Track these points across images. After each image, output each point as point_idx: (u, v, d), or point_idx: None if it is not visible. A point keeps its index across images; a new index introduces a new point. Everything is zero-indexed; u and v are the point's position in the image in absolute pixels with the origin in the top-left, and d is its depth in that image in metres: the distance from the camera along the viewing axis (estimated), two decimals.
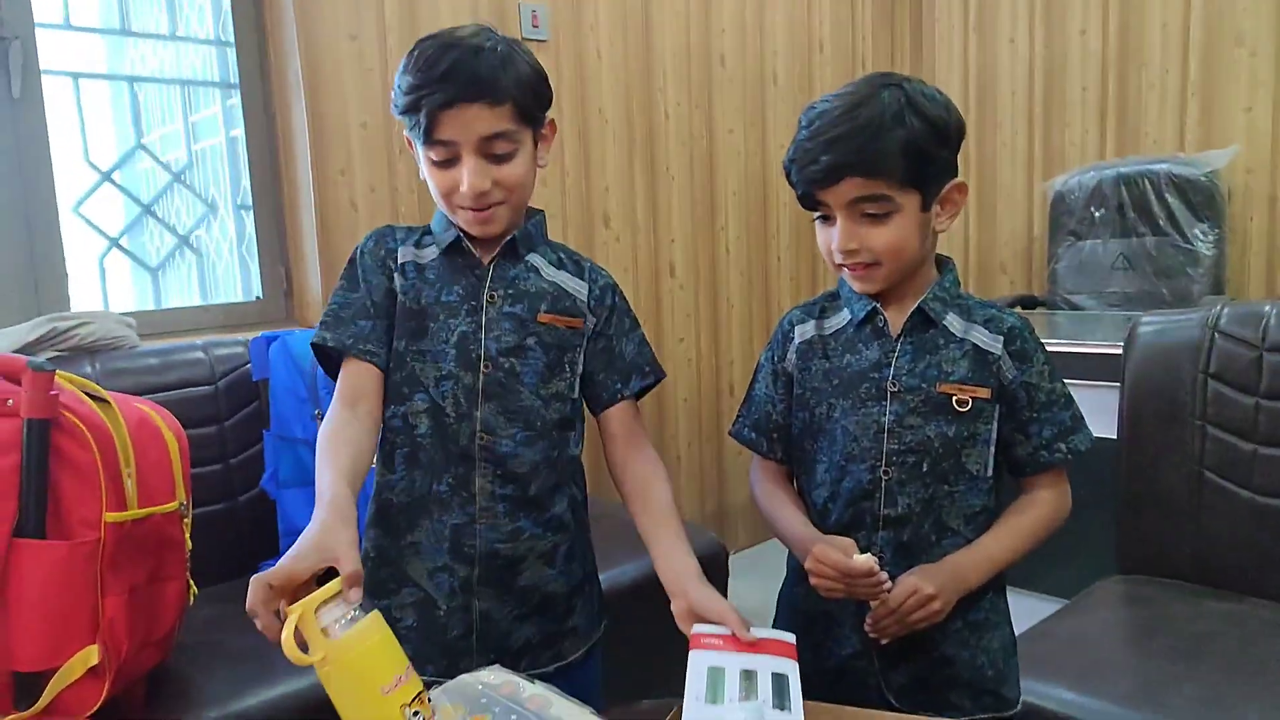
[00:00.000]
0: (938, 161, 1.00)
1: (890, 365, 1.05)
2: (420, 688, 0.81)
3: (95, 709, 1.18)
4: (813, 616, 1.10)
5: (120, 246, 2.08)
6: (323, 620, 0.78)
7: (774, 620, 1.20)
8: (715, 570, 2.03)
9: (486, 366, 1.09)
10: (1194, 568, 1.60)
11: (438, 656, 1.10)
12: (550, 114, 1.13)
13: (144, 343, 1.88)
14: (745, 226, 3.08)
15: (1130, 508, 1.70)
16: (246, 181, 2.18)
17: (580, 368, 1.14)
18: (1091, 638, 1.45)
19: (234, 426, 1.85)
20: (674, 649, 0.99)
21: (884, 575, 0.94)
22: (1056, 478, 1.08)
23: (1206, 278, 2.88)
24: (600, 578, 1.25)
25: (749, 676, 0.87)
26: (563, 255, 1.18)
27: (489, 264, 1.12)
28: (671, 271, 2.88)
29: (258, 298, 2.22)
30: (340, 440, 1.02)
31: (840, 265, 1.05)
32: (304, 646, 0.78)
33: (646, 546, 1.08)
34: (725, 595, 2.00)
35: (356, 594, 0.81)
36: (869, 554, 0.95)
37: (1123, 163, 3.07)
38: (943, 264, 1.10)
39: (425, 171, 1.09)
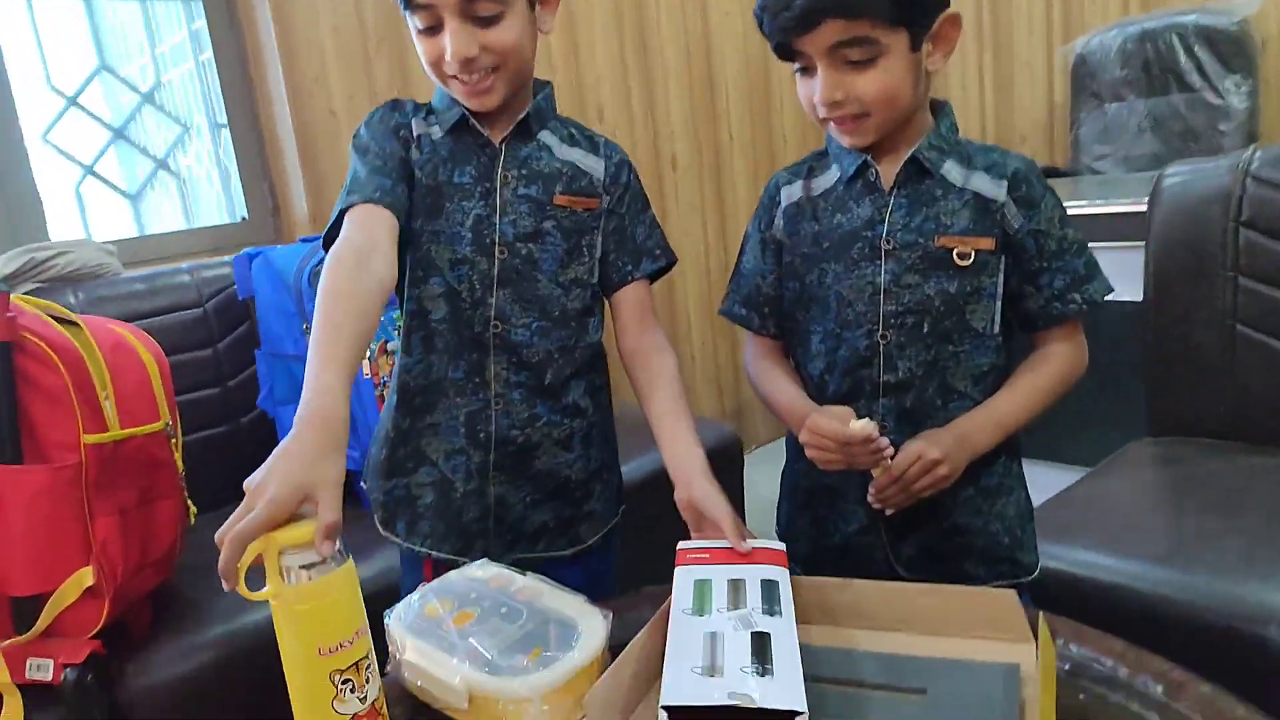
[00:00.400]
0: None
1: (884, 221, 0.96)
2: (365, 653, 0.74)
3: (97, 629, 1.17)
4: (814, 492, 1.05)
5: (94, 173, 2.01)
6: (287, 560, 0.72)
7: (779, 500, 1.15)
8: (730, 464, 1.99)
9: (502, 252, 1.04)
10: (1229, 425, 1.53)
11: (454, 537, 1.09)
12: None
13: (128, 271, 1.83)
14: (748, 110, 2.94)
15: (1160, 369, 1.62)
16: (220, 99, 2.09)
17: (598, 251, 1.09)
18: (1120, 500, 1.39)
19: (227, 349, 1.81)
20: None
21: (884, 441, 0.88)
22: (1071, 331, 1.00)
23: (1238, 132, 2.72)
24: (621, 465, 1.21)
25: (736, 586, 0.83)
26: (574, 131, 1.11)
27: (501, 143, 1.05)
28: (674, 164, 2.76)
29: (243, 219, 2.15)
30: (340, 311, 0.87)
31: (825, 119, 0.95)
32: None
33: (654, 433, 1.03)
34: (741, 489, 2.00)
35: (328, 547, 0.72)
36: (866, 419, 0.88)
37: (1147, 18, 2.89)
38: (939, 109, 1.00)
39: (415, 43, 1.01)
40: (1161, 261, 1.59)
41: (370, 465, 1.16)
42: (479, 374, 1.06)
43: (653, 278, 1.12)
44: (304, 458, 0.76)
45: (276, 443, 1.85)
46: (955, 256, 0.94)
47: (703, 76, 2.81)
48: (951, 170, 0.96)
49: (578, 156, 1.08)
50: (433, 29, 0.98)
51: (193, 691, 1.26)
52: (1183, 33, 2.75)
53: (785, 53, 0.93)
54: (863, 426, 0.87)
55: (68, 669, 1.13)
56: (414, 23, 0.99)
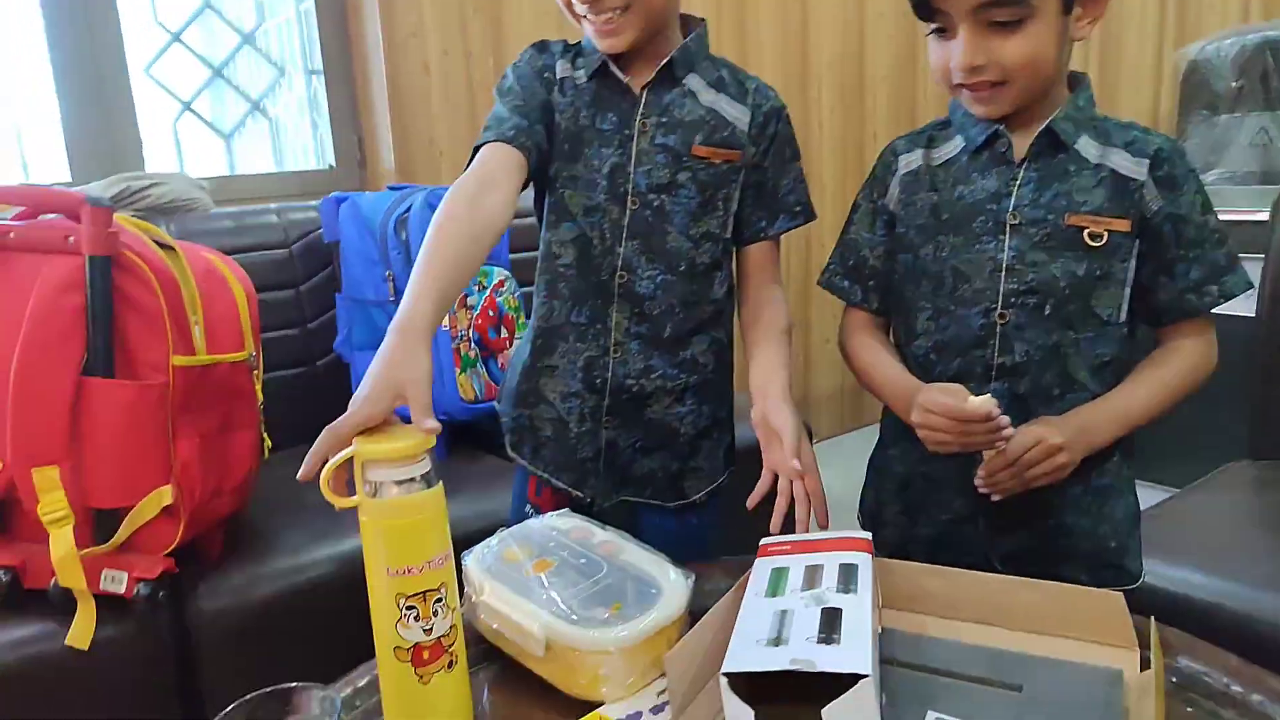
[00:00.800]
0: None
1: (1011, 195, 0.91)
2: (436, 585, 0.72)
3: (171, 548, 1.18)
4: (908, 480, 1.01)
5: (192, 110, 2.04)
6: (378, 474, 0.72)
7: (863, 488, 1.11)
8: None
9: (634, 202, 1.03)
10: None
11: (569, 471, 1.11)
12: None
13: (217, 208, 1.85)
14: (839, 100, 2.87)
15: (1267, 389, 1.53)
16: (317, 46, 2.10)
17: (734, 205, 1.06)
18: (1219, 520, 1.32)
19: (309, 291, 1.82)
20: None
21: (1005, 420, 0.83)
22: (1203, 326, 0.94)
23: None
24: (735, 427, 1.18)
25: (813, 571, 0.80)
26: (725, 73, 1.06)
27: (642, 90, 1.03)
28: None
29: (330, 166, 2.16)
30: (447, 238, 0.88)
31: (959, 86, 0.90)
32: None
33: (748, 360, 1.03)
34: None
35: (430, 424, 0.73)
36: (986, 395, 0.84)
37: (1270, 25, 2.75)
38: (1076, 81, 0.94)
39: None
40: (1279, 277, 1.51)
41: (504, 389, 1.20)
42: (601, 321, 1.06)
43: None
44: (392, 359, 0.79)
45: (350, 387, 1.87)
46: (1086, 237, 0.89)
47: (797, 65, 2.75)
48: (1087, 146, 0.91)
49: (723, 104, 1.04)
50: None
51: (257, 619, 1.27)
52: None
53: (925, 11, 0.88)
54: (982, 403, 0.82)
55: (141, 583, 1.15)
56: None
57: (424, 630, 0.73)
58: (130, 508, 1.15)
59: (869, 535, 0.85)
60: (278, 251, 1.80)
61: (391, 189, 1.75)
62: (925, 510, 0.99)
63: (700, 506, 1.14)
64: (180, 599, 1.23)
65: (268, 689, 0.61)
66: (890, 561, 0.86)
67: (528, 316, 1.89)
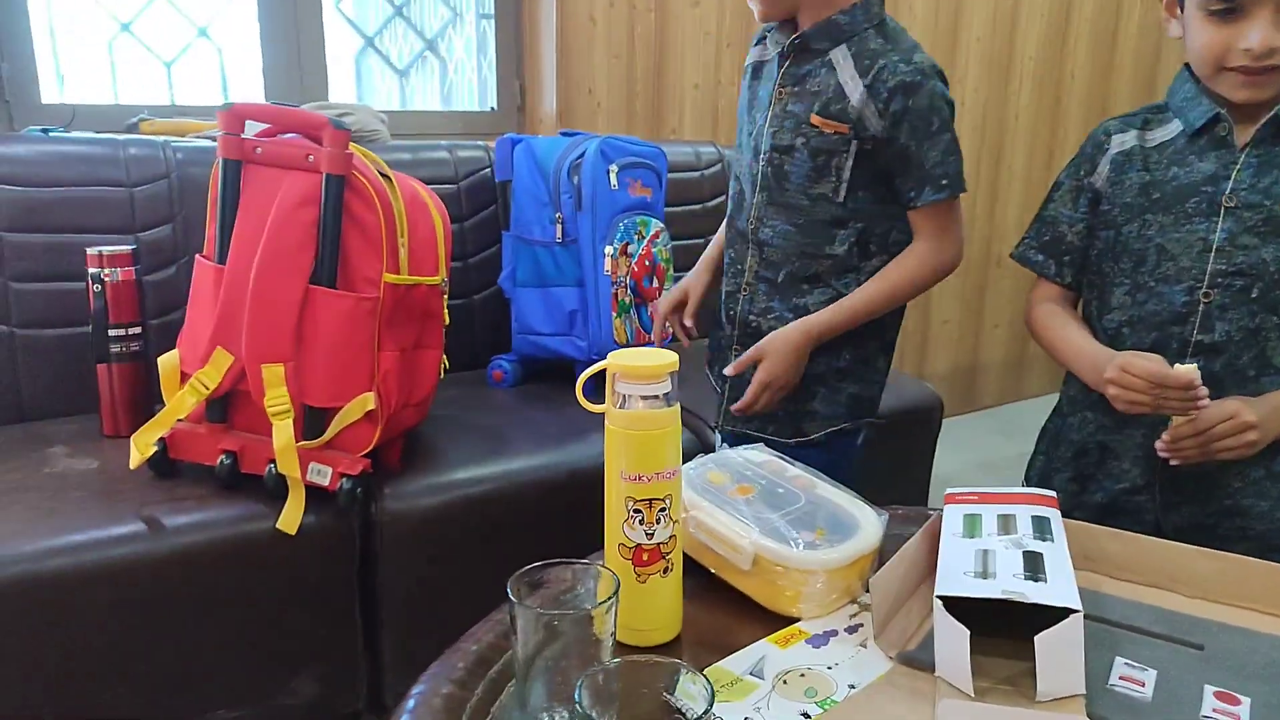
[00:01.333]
0: None
1: (1230, 178, 0.94)
2: (663, 496, 0.78)
3: (368, 449, 1.29)
4: (1084, 448, 1.05)
5: (374, 46, 2.15)
6: (626, 388, 0.78)
7: (1031, 457, 1.15)
8: (927, 425, 1.99)
9: (764, 160, 1.19)
10: None
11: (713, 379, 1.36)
12: None
13: (393, 140, 1.96)
14: (985, 79, 2.84)
15: None
16: None
17: (848, 174, 1.15)
18: None
19: (473, 227, 1.92)
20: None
21: (1204, 390, 0.87)
22: None
23: None
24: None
25: (1007, 520, 0.85)
26: (874, 47, 1.12)
27: (784, 63, 1.18)
28: None
29: (492, 109, 2.25)
30: None
31: (1233, 69, 0.91)
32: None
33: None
34: (933, 455, 1.99)
35: (663, 383, 0.79)
36: (1192, 365, 0.88)
37: None
38: None
39: None
40: None
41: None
42: (740, 262, 1.27)
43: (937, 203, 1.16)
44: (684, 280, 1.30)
45: (508, 322, 1.99)
46: None
47: (946, 40, 2.73)
48: None
49: (847, 78, 1.13)
50: None
51: (434, 524, 1.38)
52: None
53: None
54: (1188, 370, 0.86)
55: (344, 478, 1.26)
56: None
57: (646, 534, 0.80)
58: (338, 409, 1.26)
59: (1053, 494, 0.90)
60: (448, 186, 1.90)
61: (564, 134, 1.82)
62: (1097, 479, 1.03)
63: (821, 445, 1.26)
64: (369, 498, 1.35)
65: (544, 561, 0.69)
66: (1070, 521, 0.90)
67: (678, 269, 1.97)
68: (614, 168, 1.71)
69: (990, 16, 2.79)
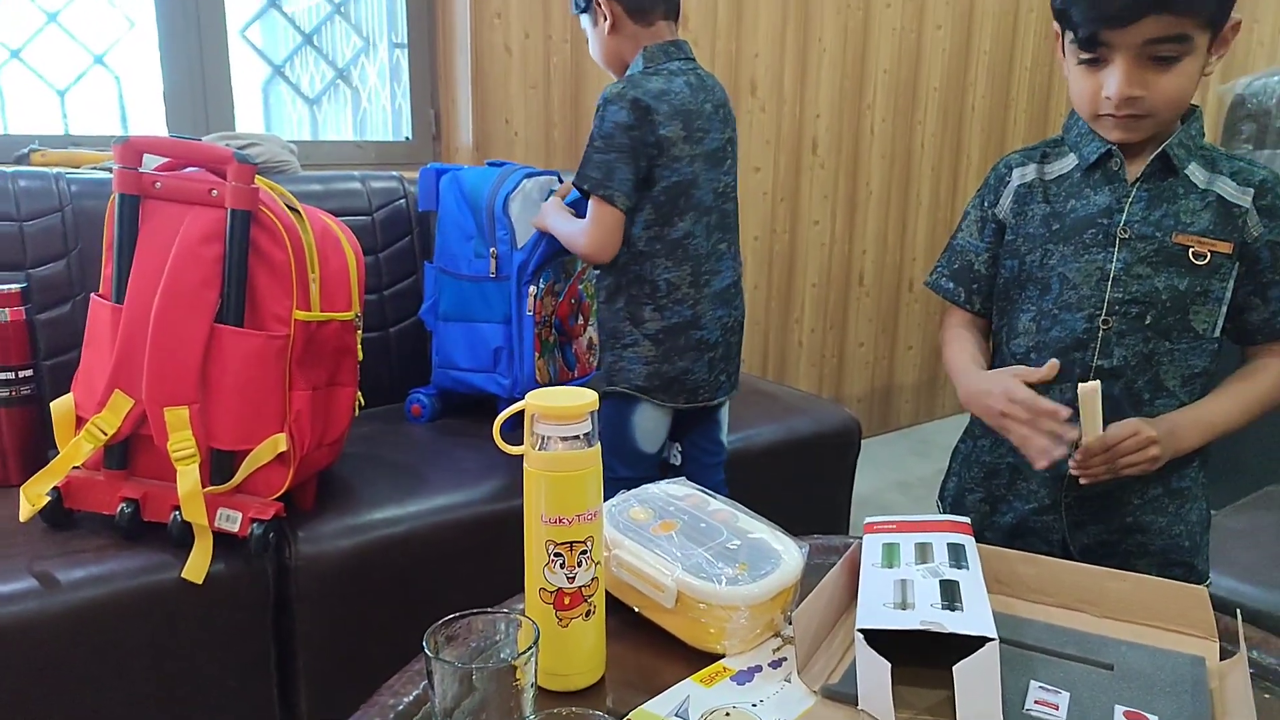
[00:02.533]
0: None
1: (1123, 211, 0.98)
2: (583, 539, 0.77)
3: (280, 493, 1.25)
4: (994, 469, 1.08)
5: (282, 74, 2.10)
6: (545, 429, 0.77)
7: (945, 476, 1.18)
8: (847, 450, 2.02)
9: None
10: None
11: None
12: None
13: (303, 170, 1.91)
14: (893, 108, 2.93)
15: None
16: (403, 19, 2.16)
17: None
18: (1262, 537, 1.39)
19: (389, 258, 1.89)
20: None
21: (1071, 430, 0.91)
22: None
23: None
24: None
25: (924, 548, 0.87)
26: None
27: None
28: (814, 148, 2.78)
29: (407, 138, 2.22)
30: None
31: (1103, 116, 0.96)
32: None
33: None
34: (853, 477, 2.03)
35: (583, 423, 0.78)
36: (1096, 382, 0.92)
37: None
38: (1189, 112, 1.00)
39: None
40: None
41: None
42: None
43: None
44: None
45: (427, 354, 1.95)
46: (1191, 255, 0.96)
47: (855, 68, 2.81)
48: (1196, 171, 0.98)
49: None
50: None
51: (350, 567, 1.34)
52: None
53: (1090, 44, 0.92)
54: (1058, 408, 0.91)
55: (255, 523, 1.21)
56: None
57: (568, 577, 0.79)
58: (248, 451, 1.22)
59: (968, 520, 0.92)
60: (362, 217, 1.86)
61: (491, 164, 1.80)
62: (1008, 499, 1.06)
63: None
64: (282, 543, 1.30)
65: (462, 612, 0.67)
66: (984, 547, 0.93)
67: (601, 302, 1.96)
68: None
69: (896, 50, 2.89)
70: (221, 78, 1.94)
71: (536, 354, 1.69)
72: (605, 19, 1.46)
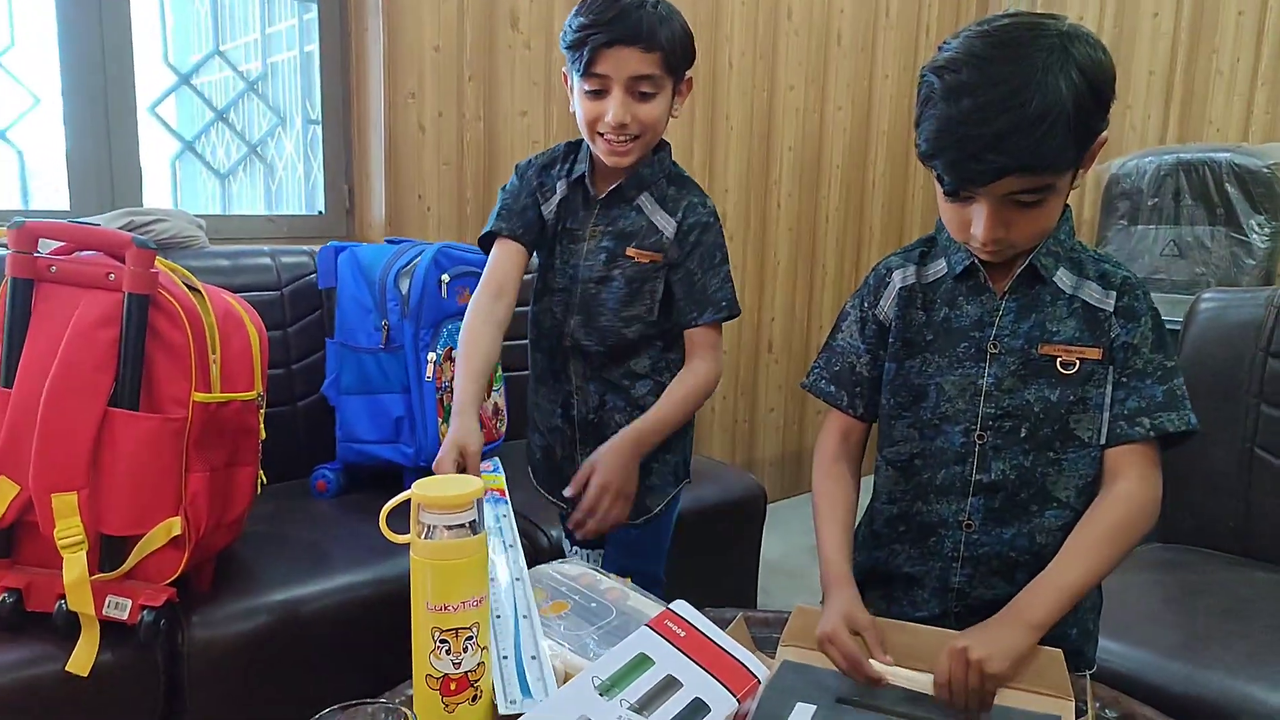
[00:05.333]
0: (1100, 126, 0.89)
1: (993, 325, 0.97)
2: (469, 625, 0.79)
3: (173, 578, 1.23)
4: (891, 576, 1.07)
5: (193, 150, 2.11)
6: (431, 518, 0.79)
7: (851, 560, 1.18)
8: (753, 516, 2.07)
9: (581, 287, 1.31)
10: (1237, 540, 1.62)
11: (558, 486, 1.30)
12: None
13: (212, 245, 1.91)
14: (798, 184, 3.07)
15: (1178, 480, 1.70)
16: (318, 96, 2.19)
17: (659, 295, 1.31)
18: (1135, 597, 1.47)
19: (297, 333, 1.89)
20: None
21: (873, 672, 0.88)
22: (1141, 461, 0.94)
23: (1258, 270, 2.86)
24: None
25: (670, 684, 0.82)
26: (672, 189, 1.32)
27: (597, 201, 1.32)
28: (723, 222, 2.88)
29: (320, 213, 2.24)
30: (474, 339, 1.25)
31: (974, 247, 0.94)
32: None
33: None
34: (759, 542, 2.08)
35: (468, 512, 0.80)
36: (891, 668, 0.89)
37: (1184, 149, 3.04)
38: (1060, 214, 0.97)
39: (576, 103, 1.26)
40: (1191, 379, 1.69)
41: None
42: (564, 370, 1.36)
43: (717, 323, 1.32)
44: (453, 437, 1.14)
45: (332, 428, 1.96)
46: (1059, 365, 0.95)
47: (761, 145, 2.94)
48: (1063, 278, 0.97)
49: (659, 217, 1.30)
50: (598, 94, 1.23)
51: (247, 651, 1.32)
52: (1215, 168, 2.90)
53: (954, 194, 0.91)
54: (878, 670, 0.88)
55: (145, 610, 1.19)
56: (584, 86, 1.24)
57: (454, 664, 0.81)
58: (140, 536, 1.20)
59: (760, 680, 0.87)
60: (270, 293, 1.86)
61: (390, 242, 1.84)
62: (901, 605, 1.05)
63: (661, 515, 1.39)
64: (174, 628, 1.27)
65: (343, 704, 0.68)
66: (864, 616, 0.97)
67: (504, 370, 1.99)
68: (446, 277, 1.74)
69: (800, 129, 3.03)
70: (129, 153, 1.93)
71: (440, 420, 1.71)
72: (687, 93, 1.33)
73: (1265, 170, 2.84)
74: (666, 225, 1.29)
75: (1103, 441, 0.96)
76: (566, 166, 1.34)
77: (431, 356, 1.70)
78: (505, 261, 1.31)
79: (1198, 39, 3.05)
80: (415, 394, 1.72)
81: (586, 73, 1.21)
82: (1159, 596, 1.51)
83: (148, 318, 1.19)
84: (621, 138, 1.23)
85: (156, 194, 2.03)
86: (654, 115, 1.23)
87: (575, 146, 1.35)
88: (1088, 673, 1.01)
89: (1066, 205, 0.99)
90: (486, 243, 1.34)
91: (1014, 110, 0.82)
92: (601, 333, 1.31)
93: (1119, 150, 3.26)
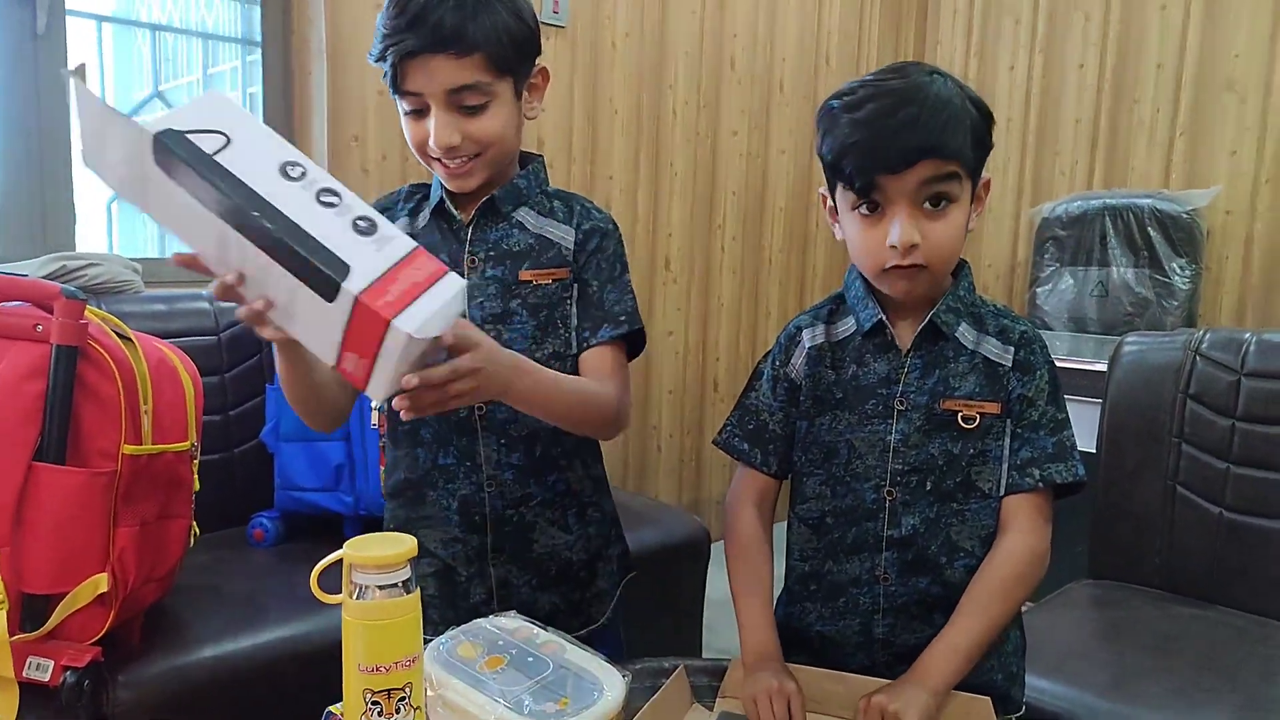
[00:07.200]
0: (988, 142, 0.95)
1: (899, 382, 0.99)
2: (401, 685, 0.79)
3: (99, 636, 1.20)
4: (810, 636, 1.08)
5: None
6: (363, 578, 0.78)
7: (777, 603, 1.20)
8: (696, 558, 2.08)
9: None
10: (1162, 576, 1.67)
11: (465, 619, 1.06)
12: (561, 96, 1.12)
13: (148, 290, 1.88)
14: (741, 227, 3.13)
15: (1105, 518, 1.77)
16: None
17: (574, 321, 1.09)
18: (1064, 634, 1.51)
19: (235, 379, 1.86)
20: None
21: None
22: (1032, 511, 0.97)
23: (1180, 310, 2.98)
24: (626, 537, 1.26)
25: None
26: (557, 202, 1.12)
27: (468, 224, 1.08)
28: (667, 264, 2.92)
29: None
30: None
31: (889, 270, 0.94)
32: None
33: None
34: (704, 582, 2.08)
35: (401, 571, 0.78)
36: None
37: (1109, 194, 3.17)
38: (959, 268, 1.02)
39: (404, 125, 1.06)
40: (1115, 420, 1.76)
41: None
42: (471, 458, 1.08)
43: (616, 342, 1.09)
44: None
45: (271, 476, 1.91)
46: (960, 420, 0.97)
47: (705, 191, 3.00)
48: (965, 333, 0.99)
49: (549, 227, 1.09)
50: (419, 113, 1.03)
51: (176, 711, 1.28)
52: (1139, 213, 3.03)
53: (866, 191, 0.93)
54: None
55: (68, 671, 1.15)
56: (401, 105, 1.05)
57: None
58: (64, 594, 1.17)
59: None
60: (207, 338, 1.84)
61: None
62: (828, 663, 1.04)
63: (609, 624, 1.19)
64: (100, 688, 1.23)
65: None
66: (797, 666, 0.99)
67: None
68: None
69: (743, 173, 3.10)
70: (63, 199, 1.90)
71: (381, 468, 1.70)
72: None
73: (1185, 215, 2.97)
74: (564, 236, 1.09)
75: (1001, 492, 0.99)
76: (411, 205, 1.11)
77: (375, 403, 1.68)
78: None
79: (1120, 90, 3.20)
80: (357, 441, 1.70)
81: (398, 90, 1.02)
82: (1087, 633, 1.55)
83: (76, 370, 1.17)
84: (456, 159, 1.02)
85: (92, 237, 1.99)
86: (490, 129, 1.01)
87: (422, 186, 1.14)
88: (1013, 716, 1.04)
89: (966, 263, 1.02)
90: None
91: (916, 102, 0.90)
92: None
93: (1049, 194, 3.39)
